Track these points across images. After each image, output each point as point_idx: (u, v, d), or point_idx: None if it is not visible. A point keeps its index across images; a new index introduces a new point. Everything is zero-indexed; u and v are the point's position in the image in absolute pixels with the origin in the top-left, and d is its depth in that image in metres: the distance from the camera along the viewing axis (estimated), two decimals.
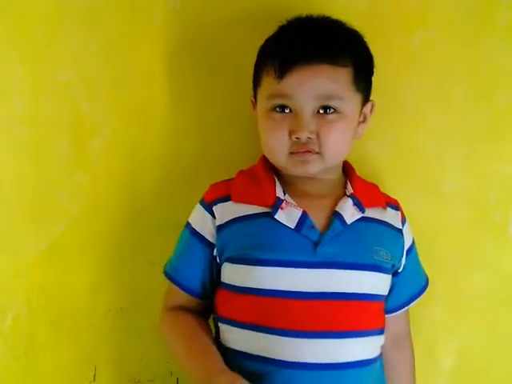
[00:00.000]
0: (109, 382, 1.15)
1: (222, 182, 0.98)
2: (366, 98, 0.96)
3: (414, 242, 1.02)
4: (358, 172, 1.01)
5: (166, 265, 1.00)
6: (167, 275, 0.99)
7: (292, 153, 0.90)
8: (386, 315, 0.98)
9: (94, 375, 1.15)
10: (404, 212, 1.01)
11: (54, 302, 1.15)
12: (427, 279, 1.04)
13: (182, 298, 0.98)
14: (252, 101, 0.99)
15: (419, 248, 1.07)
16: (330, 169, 0.94)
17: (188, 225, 0.98)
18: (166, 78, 1.12)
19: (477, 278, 1.08)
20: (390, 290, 0.97)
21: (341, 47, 0.91)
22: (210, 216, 0.94)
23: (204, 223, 0.95)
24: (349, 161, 1.02)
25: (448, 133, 1.08)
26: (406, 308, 1.02)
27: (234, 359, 0.90)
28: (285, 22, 0.95)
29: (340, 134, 0.91)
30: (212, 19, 1.10)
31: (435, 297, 1.09)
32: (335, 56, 0.89)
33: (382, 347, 0.96)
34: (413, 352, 1.04)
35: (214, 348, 0.90)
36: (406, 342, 1.03)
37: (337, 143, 0.91)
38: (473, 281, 1.08)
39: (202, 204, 0.97)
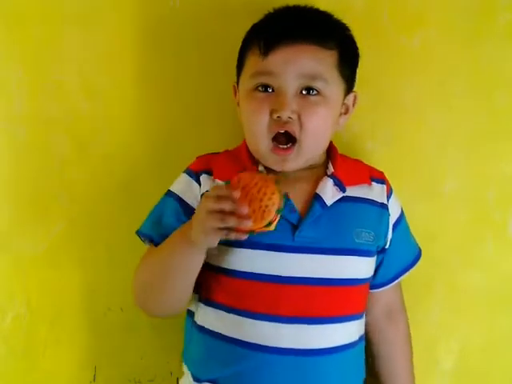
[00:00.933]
0: (109, 382, 1.15)
1: (208, 154, 0.98)
2: (349, 88, 0.94)
3: (402, 214, 1.00)
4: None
5: (142, 228, 0.96)
6: (144, 235, 0.94)
7: (273, 141, 0.88)
8: (376, 289, 0.98)
9: (94, 375, 1.15)
10: (390, 184, 0.99)
11: (54, 302, 1.15)
12: (419, 251, 1.02)
13: None
14: (234, 86, 0.98)
15: None
16: (310, 160, 0.93)
17: (170, 193, 0.95)
18: (166, 78, 1.12)
19: (477, 277, 1.08)
20: (379, 265, 0.97)
21: (328, 30, 0.91)
22: (196, 184, 0.93)
23: (190, 191, 0.93)
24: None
25: (448, 133, 1.08)
26: (395, 282, 1.00)
27: (209, 339, 0.89)
28: (272, 11, 0.94)
29: (321, 118, 0.89)
30: (212, 19, 1.10)
31: (435, 297, 1.09)
32: (322, 37, 0.88)
33: (376, 321, 0.97)
34: (408, 325, 1.03)
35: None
36: (400, 315, 1.03)
37: (316, 126, 0.89)
38: (473, 281, 1.08)
39: (188, 173, 0.95)
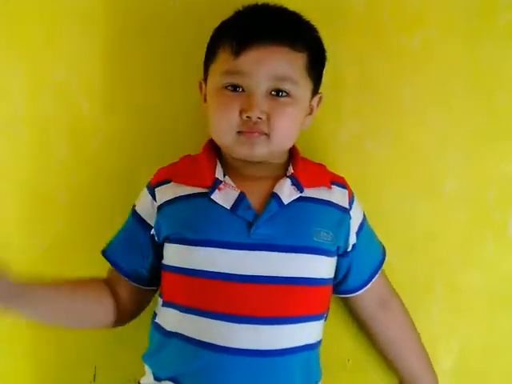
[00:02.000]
0: (109, 382, 1.15)
1: (168, 165, 0.99)
2: (315, 89, 0.95)
3: (364, 218, 1.00)
4: (357, 171, 1.01)
5: (105, 248, 1.00)
6: (105, 255, 0.99)
7: (239, 132, 0.89)
8: (356, 293, 0.99)
9: (94, 375, 1.15)
10: (352, 190, 0.99)
11: None
12: (384, 250, 1.03)
13: (116, 278, 0.97)
14: (200, 83, 0.98)
15: (419, 248, 1.07)
16: (276, 155, 0.94)
17: (132, 207, 0.98)
18: (164, 77, 1.12)
19: (477, 277, 1.08)
20: (349, 271, 0.97)
21: (298, 32, 0.91)
22: (151, 198, 0.95)
23: (145, 205, 0.95)
24: (349, 161, 1.02)
25: (448, 133, 1.08)
26: (370, 284, 1.00)
27: (170, 341, 0.90)
28: (241, 8, 0.94)
29: (290, 119, 0.90)
30: (212, 18, 1.10)
31: (435, 296, 1.09)
32: (293, 39, 0.89)
33: (370, 314, 0.99)
34: (403, 309, 1.03)
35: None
36: (393, 302, 1.03)
37: (286, 127, 0.90)
38: (473, 280, 1.08)
39: (147, 187, 0.97)
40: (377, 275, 1.01)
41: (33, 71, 1.13)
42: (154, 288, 1.00)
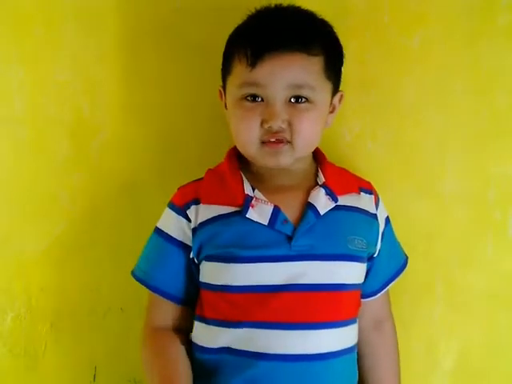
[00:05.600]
0: (109, 382, 1.15)
1: (190, 183, 0.98)
2: (335, 88, 0.95)
3: (388, 222, 1.00)
4: (358, 171, 1.01)
5: (137, 271, 0.98)
6: (143, 282, 0.97)
7: (263, 142, 0.89)
8: (365, 299, 0.99)
9: (94, 375, 1.15)
10: (378, 193, 1.00)
11: (54, 302, 1.15)
12: (406, 258, 1.03)
13: (164, 307, 0.96)
14: (220, 90, 0.97)
15: (419, 248, 1.07)
16: (301, 159, 0.93)
17: (159, 231, 0.96)
18: (165, 78, 1.12)
19: (477, 277, 1.08)
20: (366, 274, 0.97)
21: (312, 36, 0.90)
22: (184, 220, 0.93)
23: (179, 227, 0.94)
24: (349, 161, 1.02)
25: (448, 133, 1.08)
26: (384, 290, 1.01)
27: (220, 358, 0.90)
28: (254, 11, 0.94)
29: (311, 124, 0.90)
30: (214, 19, 1.10)
31: (435, 296, 1.09)
32: (307, 44, 0.88)
33: (363, 331, 0.98)
34: (395, 335, 1.03)
35: None
36: (387, 325, 1.03)
37: (308, 132, 0.90)
38: (473, 280, 1.08)
39: (172, 208, 0.95)
40: (393, 282, 1.01)
41: (33, 71, 1.13)
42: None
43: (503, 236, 1.07)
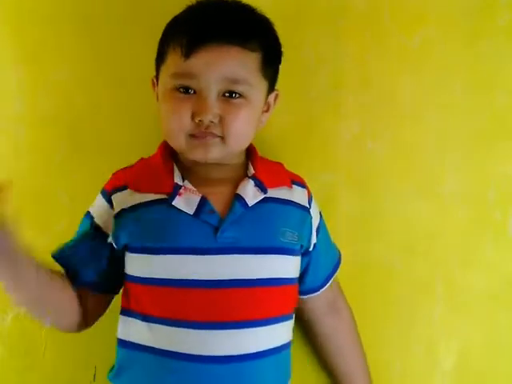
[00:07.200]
0: (109, 382, 1.15)
1: (122, 169, 0.95)
2: (271, 87, 0.93)
3: (321, 218, 0.99)
4: (356, 171, 1.01)
5: (57, 249, 0.95)
6: (59, 261, 0.94)
7: (192, 135, 0.86)
8: (310, 295, 0.98)
9: (94, 375, 1.15)
10: (310, 189, 0.98)
11: None
12: (340, 255, 1.03)
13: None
14: (153, 80, 0.94)
15: (419, 248, 1.07)
16: (232, 155, 0.91)
17: (87, 213, 0.94)
18: None
19: (476, 277, 1.08)
20: (306, 271, 0.96)
21: (252, 31, 0.87)
22: (107, 205, 0.91)
23: (102, 212, 0.91)
24: (349, 161, 1.02)
25: (447, 133, 1.08)
26: (326, 286, 1.00)
27: (140, 356, 0.87)
28: (194, 2, 0.91)
29: (244, 121, 0.87)
30: None
31: (435, 296, 1.09)
32: (246, 39, 0.85)
33: (320, 316, 0.98)
34: (351, 315, 1.03)
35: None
36: (341, 304, 1.03)
37: (240, 129, 0.87)
38: (473, 281, 1.08)
39: (102, 193, 0.93)
40: (333, 277, 1.00)
41: (33, 71, 1.13)
42: (111, 295, 0.96)
43: (503, 236, 1.08)
